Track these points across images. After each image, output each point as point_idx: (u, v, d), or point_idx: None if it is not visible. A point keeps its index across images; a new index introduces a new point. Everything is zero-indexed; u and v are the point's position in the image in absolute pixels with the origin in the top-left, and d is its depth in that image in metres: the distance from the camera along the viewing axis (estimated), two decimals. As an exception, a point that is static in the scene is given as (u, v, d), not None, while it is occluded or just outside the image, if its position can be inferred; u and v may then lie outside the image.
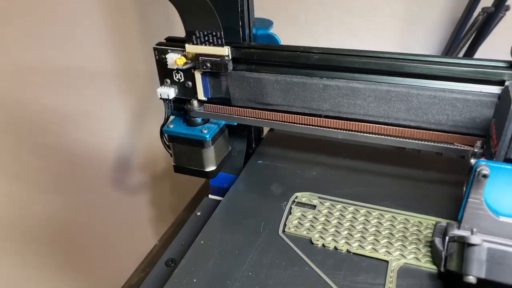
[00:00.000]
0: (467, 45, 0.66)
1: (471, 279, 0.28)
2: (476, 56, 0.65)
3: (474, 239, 0.28)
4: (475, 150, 0.34)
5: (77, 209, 1.04)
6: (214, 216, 0.42)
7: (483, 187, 0.29)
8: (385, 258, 0.35)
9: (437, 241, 0.34)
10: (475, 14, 0.63)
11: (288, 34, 0.73)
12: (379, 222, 0.39)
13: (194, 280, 0.35)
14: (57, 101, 0.92)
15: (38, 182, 1.02)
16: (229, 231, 0.40)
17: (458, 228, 0.32)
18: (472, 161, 0.30)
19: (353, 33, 0.76)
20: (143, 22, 0.84)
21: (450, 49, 0.68)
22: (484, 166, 0.29)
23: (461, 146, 0.37)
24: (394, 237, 0.37)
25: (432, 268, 0.34)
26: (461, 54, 0.68)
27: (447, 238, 0.32)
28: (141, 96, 0.94)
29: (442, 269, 0.33)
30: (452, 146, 0.37)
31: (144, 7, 0.83)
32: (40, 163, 1.00)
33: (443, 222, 0.35)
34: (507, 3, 0.59)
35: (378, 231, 0.38)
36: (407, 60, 0.37)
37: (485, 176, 0.29)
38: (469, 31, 0.64)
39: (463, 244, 0.30)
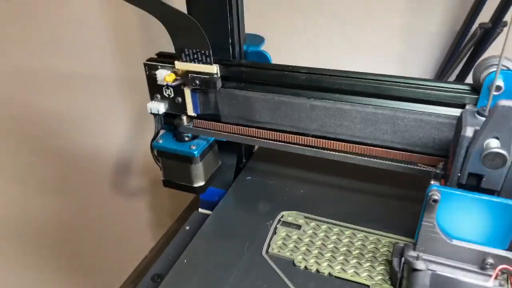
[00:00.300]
0: (465, 59, 0.66)
1: None
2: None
3: (419, 264, 0.29)
4: (437, 171, 0.34)
5: (76, 212, 1.05)
6: (200, 233, 0.43)
7: (435, 211, 0.30)
8: (367, 282, 0.35)
9: (395, 261, 0.34)
10: (473, 28, 0.63)
11: (287, 43, 0.73)
12: (363, 245, 0.39)
13: (176, 300, 0.35)
14: (58, 104, 0.93)
15: (38, 184, 1.03)
16: (214, 250, 0.40)
17: (414, 249, 0.32)
18: (432, 182, 0.31)
19: (353, 44, 0.76)
20: (145, 27, 0.85)
21: (448, 63, 0.68)
22: (435, 192, 0.29)
23: (425, 167, 0.37)
24: (377, 260, 0.37)
25: None
26: (459, 68, 0.68)
27: (403, 259, 0.33)
28: (142, 101, 0.94)
29: None
30: (416, 167, 0.38)
31: (146, 13, 0.84)
32: (40, 165, 1.01)
33: (402, 243, 0.35)
34: (504, 20, 0.58)
35: (361, 254, 0.38)
36: (393, 83, 0.37)
37: (435, 201, 0.29)
38: (466, 46, 0.63)
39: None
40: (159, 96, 0.46)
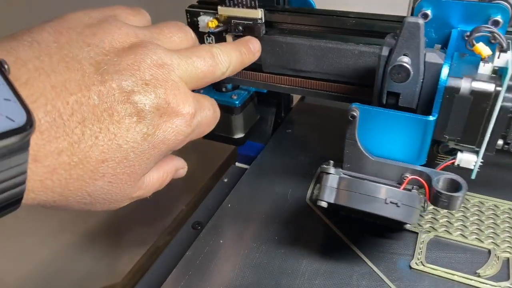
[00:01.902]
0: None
1: (323, 204, 0.31)
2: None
3: (330, 169, 0.32)
4: None
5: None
6: (241, 181, 0.43)
7: (355, 128, 0.31)
8: (415, 229, 0.35)
9: None
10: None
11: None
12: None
13: (221, 241, 0.35)
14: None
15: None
16: (256, 196, 0.40)
17: (342, 168, 0.33)
18: None
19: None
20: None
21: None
22: (354, 108, 0.30)
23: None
24: (426, 209, 0.36)
25: (463, 241, 0.34)
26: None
27: None
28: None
29: None
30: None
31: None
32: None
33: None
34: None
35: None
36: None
37: (353, 117, 0.30)
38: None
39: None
40: (200, 45, 0.45)
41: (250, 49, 0.32)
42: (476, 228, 0.35)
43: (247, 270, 0.33)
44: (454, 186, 0.29)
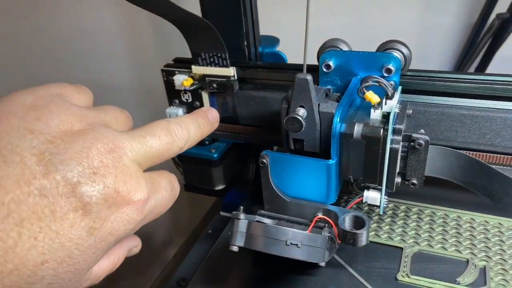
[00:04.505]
0: (482, 52, 0.65)
1: (234, 248, 0.31)
2: (493, 64, 0.64)
3: (239, 215, 0.32)
4: None
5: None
6: (225, 232, 0.43)
7: (268, 173, 0.33)
8: (400, 245, 0.37)
9: None
10: (491, 19, 0.62)
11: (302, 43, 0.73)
12: (394, 213, 0.40)
13: (202, 302, 0.35)
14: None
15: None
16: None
17: (264, 209, 0.34)
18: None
19: (366, 41, 0.75)
20: (160, 38, 0.86)
21: (466, 55, 0.67)
22: (264, 155, 0.32)
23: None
24: (409, 226, 0.39)
25: (443, 253, 0.36)
26: (477, 60, 0.67)
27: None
28: (158, 111, 0.96)
29: None
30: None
31: (160, 23, 0.86)
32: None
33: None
34: (523, 9, 0.57)
35: (393, 221, 0.40)
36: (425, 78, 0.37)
37: (263, 163, 0.32)
38: (484, 37, 0.62)
39: None
40: (177, 101, 0.46)
41: (209, 120, 0.31)
42: (455, 241, 0.37)
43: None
44: (360, 223, 0.31)
